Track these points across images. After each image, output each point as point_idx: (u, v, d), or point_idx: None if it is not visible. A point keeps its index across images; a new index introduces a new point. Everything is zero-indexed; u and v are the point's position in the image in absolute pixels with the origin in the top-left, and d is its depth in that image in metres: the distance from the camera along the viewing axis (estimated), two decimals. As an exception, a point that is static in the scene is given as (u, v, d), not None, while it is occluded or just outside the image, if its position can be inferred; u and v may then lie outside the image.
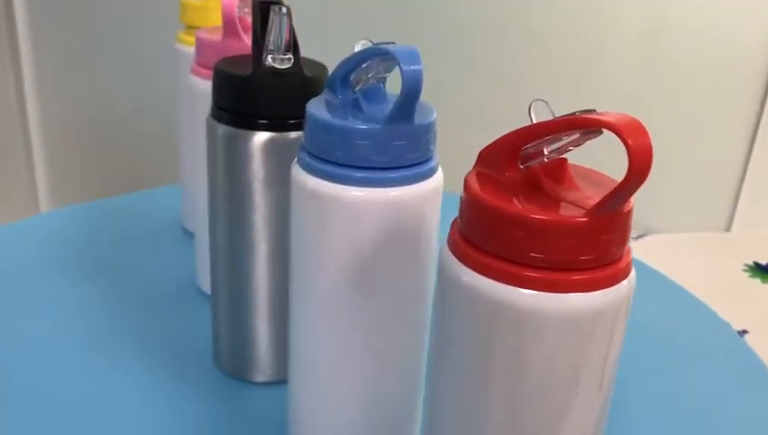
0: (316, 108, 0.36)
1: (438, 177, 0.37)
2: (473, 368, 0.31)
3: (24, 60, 1.28)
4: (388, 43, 0.34)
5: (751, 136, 1.39)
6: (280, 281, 0.46)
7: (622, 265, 0.29)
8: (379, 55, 0.34)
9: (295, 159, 0.38)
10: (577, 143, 0.28)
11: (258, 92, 0.42)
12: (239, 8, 0.52)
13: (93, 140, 1.36)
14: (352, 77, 0.37)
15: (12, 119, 1.32)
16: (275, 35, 0.41)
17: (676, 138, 1.34)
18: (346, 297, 0.37)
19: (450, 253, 0.31)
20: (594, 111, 0.27)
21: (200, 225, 0.57)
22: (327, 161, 0.35)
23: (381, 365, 0.39)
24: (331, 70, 0.38)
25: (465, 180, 0.30)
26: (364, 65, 0.36)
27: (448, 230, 0.32)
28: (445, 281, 0.31)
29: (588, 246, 0.28)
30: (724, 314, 0.64)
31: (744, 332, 1.07)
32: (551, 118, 0.29)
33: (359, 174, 0.35)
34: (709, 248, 1.42)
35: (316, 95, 0.43)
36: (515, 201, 0.28)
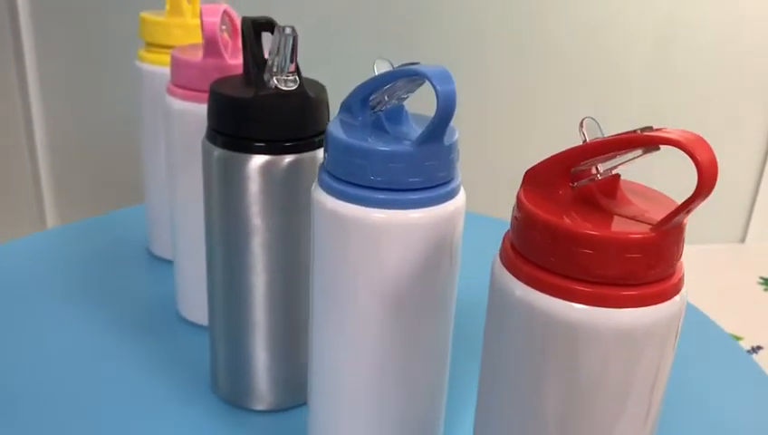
0: (338, 130, 0.35)
1: (461, 197, 0.37)
2: (525, 379, 0.31)
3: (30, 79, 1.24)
4: (413, 64, 0.34)
5: (765, 147, 1.38)
6: (278, 308, 0.45)
7: (675, 280, 0.29)
8: (408, 76, 0.34)
9: (316, 181, 0.37)
10: (631, 160, 0.28)
11: (263, 115, 0.41)
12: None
13: (97, 153, 1.34)
14: (372, 98, 0.36)
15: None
16: (280, 56, 0.40)
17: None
18: (369, 317, 0.37)
19: (503, 267, 0.31)
20: (651, 127, 0.27)
21: (181, 251, 0.55)
22: (351, 183, 0.35)
23: (405, 384, 0.39)
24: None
25: (518, 198, 0.30)
26: (387, 86, 0.35)
27: (500, 245, 0.32)
28: (497, 294, 0.32)
29: (648, 261, 0.28)
30: (737, 328, 0.60)
31: (759, 348, 1.01)
32: (601, 135, 0.29)
33: (381, 196, 0.35)
34: (723, 261, 1.37)
35: (318, 116, 0.42)
36: (571, 218, 0.29)
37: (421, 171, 0.34)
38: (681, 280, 0.29)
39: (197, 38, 0.54)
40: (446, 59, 1.30)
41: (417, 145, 0.34)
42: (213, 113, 0.43)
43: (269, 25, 0.44)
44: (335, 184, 0.35)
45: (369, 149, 0.34)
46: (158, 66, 0.58)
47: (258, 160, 0.42)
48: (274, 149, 0.42)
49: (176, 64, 0.50)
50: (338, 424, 0.40)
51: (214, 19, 0.47)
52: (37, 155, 1.35)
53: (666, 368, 0.31)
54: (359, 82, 0.36)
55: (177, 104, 0.50)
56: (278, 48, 0.39)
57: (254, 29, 0.43)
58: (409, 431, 0.40)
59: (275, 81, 0.40)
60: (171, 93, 0.51)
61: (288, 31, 0.39)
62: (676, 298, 0.29)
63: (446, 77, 0.32)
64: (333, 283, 0.37)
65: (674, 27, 1.31)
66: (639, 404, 0.31)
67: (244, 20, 0.43)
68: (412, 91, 0.36)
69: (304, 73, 0.45)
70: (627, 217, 0.29)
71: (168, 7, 0.59)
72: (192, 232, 0.52)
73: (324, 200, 0.36)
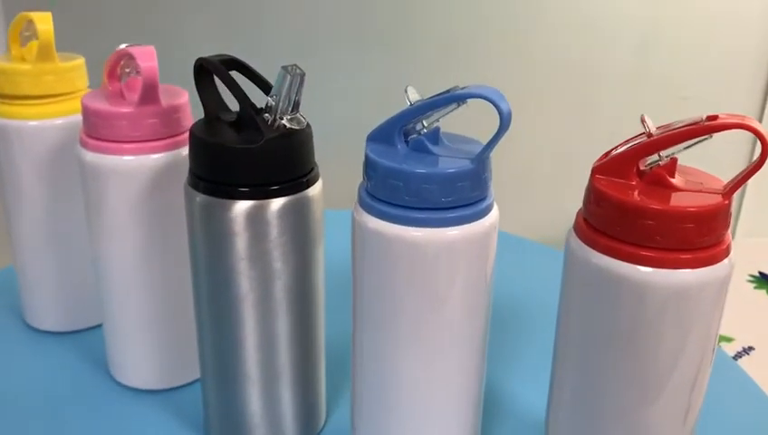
0: (381, 155, 0.37)
1: (495, 213, 0.39)
2: (599, 335, 0.37)
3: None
4: (462, 88, 0.36)
5: (752, 141, 1.37)
6: (268, 351, 0.44)
7: (724, 246, 0.35)
8: (458, 100, 0.36)
9: (356, 202, 0.39)
10: (688, 146, 0.35)
11: (280, 157, 0.40)
12: (121, 69, 0.47)
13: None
14: (411, 123, 0.38)
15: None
16: (291, 96, 0.39)
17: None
18: (410, 329, 0.39)
19: (579, 240, 0.37)
20: (717, 117, 0.33)
21: (115, 310, 0.51)
22: (400, 206, 0.37)
23: (445, 390, 0.41)
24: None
25: (593, 185, 0.36)
26: (430, 112, 0.37)
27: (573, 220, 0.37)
28: (573, 263, 0.37)
29: (706, 228, 0.34)
30: (727, 329, 0.60)
31: (750, 349, 0.96)
32: (655, 128, 0.35)
33: (453, 214, 0.37)
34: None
35: (309, 153, 0.42)
36: (638, 196, 0.35)
37: (481, 185, 0.37)
38: (729, 246, 0.36)
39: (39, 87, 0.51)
40: (439, 65, 1.24)
41: (477, 163, 0.37)
42: (205, 161, 0.40)
43: (235, 64, 0.42)
44: (380, 206, 0.37)
45: (438, 172, 0.36)
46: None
47: (278, 203, 0.40)
48: (297, 187, 0.41)
49: (101, 115, 0.45)
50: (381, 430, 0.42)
51: (152, 63, 0.43)
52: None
53: (716, 325, 0.37)
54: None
55: (88, 156, 0.46)
56: (287, 88, 0.38)
57: (228, 68, 0.41)
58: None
59: (285, 121, 0.39)
60: (99, 149, 0.46)
61: (298, 70, 0.38)
62: (725, 261, 0.36)
63: (502, 96, 0.35)
64: (378, 300, 0.39)
65: (657, 27, 1.32)
66: (694, 357, 0.37)
67: (210, 62, 0.41)
68: (447, 114, 0.38)
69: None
70: (688, 192, 0.35)
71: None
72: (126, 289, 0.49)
73: (364, 219, 0.38)
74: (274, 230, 0.41)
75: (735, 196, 0.35)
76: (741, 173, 0.34)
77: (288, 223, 0.41)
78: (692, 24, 1.31)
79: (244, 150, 0.39)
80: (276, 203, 0.40)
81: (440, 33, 1.25)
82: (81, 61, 0.53)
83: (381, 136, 0.38)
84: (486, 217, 0.38)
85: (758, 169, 0.33)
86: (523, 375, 0.55)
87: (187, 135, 0.45)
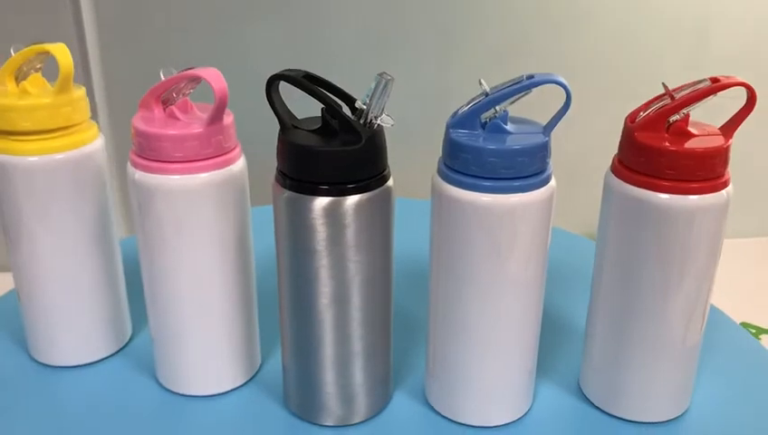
0: (464, 137, 0.45)
1: (552, 184, 0.47)
2: (629, 250, 0.49)
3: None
4: (529, 78, 0.45)
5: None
6: (342, 332, 0.49)
7: (724, 179, 0.47)
8: (532, 87, 0.45)
9: (436, 174, 0.47)
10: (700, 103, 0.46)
11: (372, 154, 0.45)
12: (176, 90, 0.49)
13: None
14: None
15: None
16: (382, 99, 0.44)
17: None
18: (484, 280, 0.48)
19: (614, 176, 0.48)
20: (719, 79, 0.45)
21: (171, 322, 0.53)
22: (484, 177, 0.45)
23: (507, 324, 0.50)
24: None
25: (633, 134, 0.46)
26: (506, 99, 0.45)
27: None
28: (609, 194, 0.49)
29: (710, 164, 0.46)
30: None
31: None
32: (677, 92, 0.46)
33: (518, 183, 0.45)
34: (758, 255, 1.32)
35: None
36: (665, 141, 0.46)
37: (541, 160, 0.46)
38: (728, 180, 0.47)
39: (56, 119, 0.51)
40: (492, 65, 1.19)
41: (545, 138, 0.46)
42: (331, 168, 0.45)
43: (309, 76, 0.46)
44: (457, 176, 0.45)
45: (509, 149, 0.44)
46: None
47: (373, 193, 0.46)
48: (380, 181, 0.47)
49: (166, 138, 0.47)
50: (457, 357, 0.51)
51: (224, 85, 0.46)
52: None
53: (719, 242, 0.48)
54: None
55: (176, 181, 0.48)
56: (380, 92, 0.44)
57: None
58: (531, 366, 0.52)
59: (380, 121, 0.45)
60: (162, 171, 0.47)
61: (388, 77, 0.44)
62: (723, 192, 0.47)
63: (565, 84, 0.45)
64: (453, 256, 0.47)
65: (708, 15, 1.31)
66: (702, 263, 0.48)
67: (289, 77, 0.45)
68: (515, 101, 0.46)
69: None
70: (698, 137, 0.47)
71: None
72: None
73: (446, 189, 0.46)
74: (365, 221, 0.47)
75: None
76: (734, 116, 0.47)
77: (369, 214, 0.47)
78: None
79: (348, 152, 0.44)
80: (372, 193, 0.46)
81: (493, 34, 1.28)
82: (83, 90, 0.53)
83: (462, 121, 0.46)
84: (545, 188, 0.46)
85: (748, 113, 0.46)
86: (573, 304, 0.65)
87: (237, 149, 0.50)
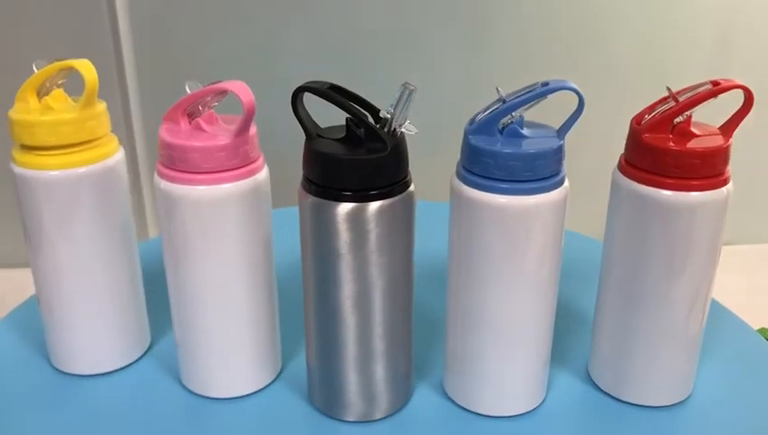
0: (483, 142, 0.47)
1: (565, 187, 0.49)
2: (635, 244, 0.51)
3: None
4: (544, 85, 0.47)
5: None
6: (365, 332, 0.51)
7: (724, 177, 0.50)
8: (548, 93, 0.47)
9: (455, 175, 0.49)
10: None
11: (396, 161, 0.47)
12: (201, 103, 0.50)
13: None
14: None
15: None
16: (405, 108, 0.46)
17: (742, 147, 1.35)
18: (501, 278, 0.50)
19: (621, 174, 0.51)
20: (719, 82, 0.48)
21: (199, 327, 0.54)
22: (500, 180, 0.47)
23: (522, 317, 0.52)
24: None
25: (635, 133, 0.49)
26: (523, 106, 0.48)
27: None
28: (616, 191, 0.52)
29: (711, 162, 0.49)
30: None
31: None
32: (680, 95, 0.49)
33: (534, 185, 0.48)
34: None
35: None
36: (667, 141, 0.49)
37: (555, 163, 0.48)
38: (728, 178, 0.50)
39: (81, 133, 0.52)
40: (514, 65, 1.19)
41: (560, 139, 0.48)
42: (356, 176, 0.46)
43: (333, 87, 0.48)
44: (474, 178, 0.48)
45: (524, 153, 0.47)
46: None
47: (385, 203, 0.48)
48: (402, 186, 0.48)
49: (195, 150, 0.48)
50: (475, 349, 0.53)
51: (252, 97, 0.48)
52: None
53: (720, 236, 0.51)
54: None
55: (210, 191, 0.49)
56: (405, 101, 0.46)
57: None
58: (545, 358, 0.55)
59: (404, 129, 0.47)
60: (190, 182, 0.49)
61: (412, 87, 0.46)
62: (723, 190, 0.50)
63: (576, 87, 0.47)
64: (475, 261, 0.50)
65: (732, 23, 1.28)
66: (704, 254, 0.51)
67: (314, 88, 0.47)
68: (532, 106, 0.48)
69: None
70: (700, 137, 0.50)
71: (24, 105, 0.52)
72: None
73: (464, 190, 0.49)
74: (387, 226, 0.48)
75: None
76: (733, 117, 0.50)
77: (391, 219, 0.48)
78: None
79: (374, 159, 0.46)
80: (395, 199, 0.48)
81: (515, 33, 1.28)
82: (104, 104, 0.54)
83: (481, 127, 0.48)
84: (558, 190, 0.49)
85: (746, 113, 0.49)
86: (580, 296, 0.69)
87: (261, 159, 0.52)
